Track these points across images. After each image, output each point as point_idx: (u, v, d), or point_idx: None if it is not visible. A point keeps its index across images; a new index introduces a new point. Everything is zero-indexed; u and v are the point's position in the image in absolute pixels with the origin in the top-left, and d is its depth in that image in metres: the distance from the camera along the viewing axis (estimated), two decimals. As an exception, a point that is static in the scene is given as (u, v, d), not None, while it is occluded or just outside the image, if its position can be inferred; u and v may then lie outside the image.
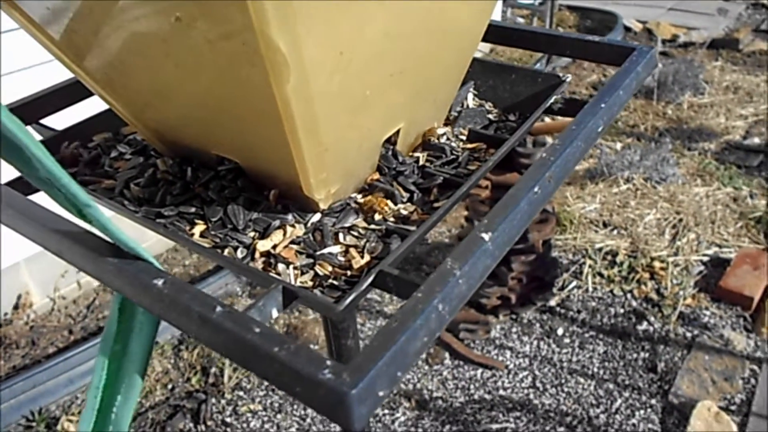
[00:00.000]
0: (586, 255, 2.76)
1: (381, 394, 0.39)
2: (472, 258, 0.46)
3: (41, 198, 0.60)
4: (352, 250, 0.54)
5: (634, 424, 2.12)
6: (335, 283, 0.52)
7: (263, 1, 0.36)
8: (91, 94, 0.68)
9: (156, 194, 0.61)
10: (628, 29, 4.98)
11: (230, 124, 0.55)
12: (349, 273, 0.52)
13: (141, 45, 0.51)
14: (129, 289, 0.48)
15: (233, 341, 0.42)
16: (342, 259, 0.54)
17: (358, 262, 0.53)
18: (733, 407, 2.14)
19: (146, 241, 2.77)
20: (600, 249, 2.78)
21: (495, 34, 0.74)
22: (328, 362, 0.39)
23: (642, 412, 2.16)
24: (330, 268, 0.53)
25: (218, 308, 0.44)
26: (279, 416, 2.18)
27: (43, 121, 0.71)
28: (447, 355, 2.41)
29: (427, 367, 2.36)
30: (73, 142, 0.69)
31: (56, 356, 2.28)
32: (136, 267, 0.48)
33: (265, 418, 2.18)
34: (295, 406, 2.21)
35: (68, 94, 0.71)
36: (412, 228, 0.56)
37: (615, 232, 2.89)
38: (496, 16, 4.94)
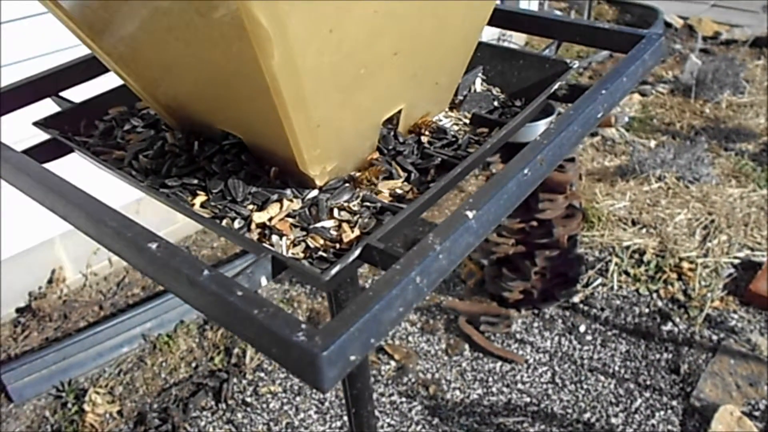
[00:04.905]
0: (612, 253, 2.73)
1: (352, 358, 0.41)
2: (454, 234, 0.47)
3: (54, 166, 0.63)
4: (345, 225, 0.56)
5: (653, 425, 2.09)
6: (324, 255, 0.53)
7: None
8: (107, 70, 0.70)
9: (162, 166, 0.64)
10: (668, 25, 4.86)
11: (231, 99, 0.57)
12: (338, 246, 0.54)
13: (146, 20, 0.53)
14: (126, 251, 0.50)
15: (217, 303, 0.44)
16: (334, 233, 0.55)
17: (349, 235, 0.54)
18: (756, 413, 2.09)
19: (176, 223, 2.84)
20: (627, 247, 2.74)
21: (502, 18, 0.74)
22: (303, 326, 0.41)
23: (662, 413, 2.13)
24: (321, 241, 0.54)
25: (205, 272, 0.45)
26: (298, 399, 2.22)
27: (61, 94, 0.74)
28: (467, 346, 2.41)
29: (446, 358, 2.37)
30: (90, 115, 0.72)
31: (86, 330, 2.36)
32: (133, 231, 0.50)
33: (285, 400, 2.22)
34: (315, 390, 2.24)
35: (87, 68, 0.74)
36: (405, 206, 0.57)
37: (644, 230, 2.85)
38: (533, 8, 4.88)
